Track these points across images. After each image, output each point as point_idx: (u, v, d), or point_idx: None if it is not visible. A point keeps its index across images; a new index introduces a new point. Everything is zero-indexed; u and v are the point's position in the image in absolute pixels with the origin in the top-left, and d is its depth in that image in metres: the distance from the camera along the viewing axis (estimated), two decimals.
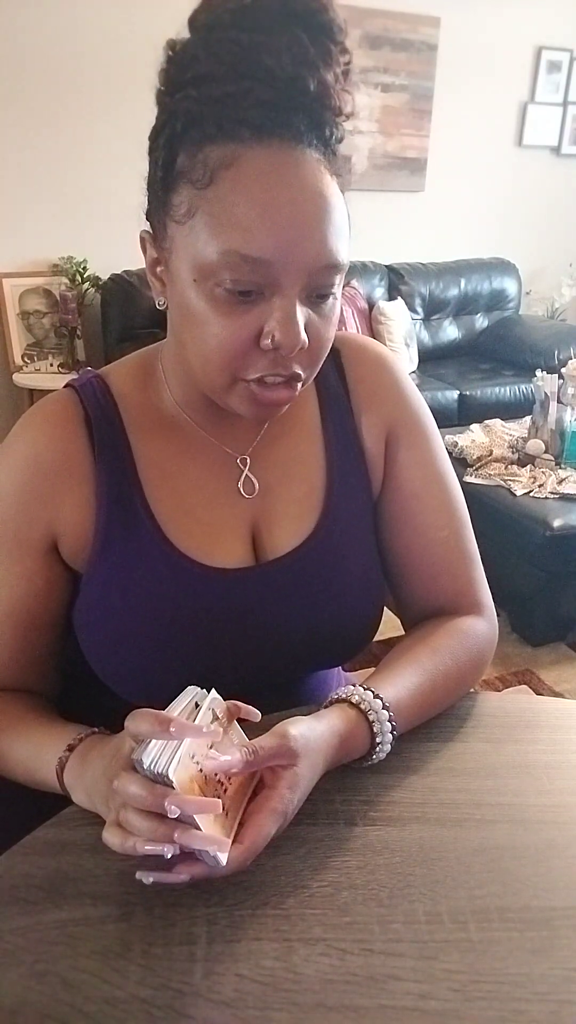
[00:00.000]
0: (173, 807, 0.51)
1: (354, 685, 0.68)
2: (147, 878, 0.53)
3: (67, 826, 0.64)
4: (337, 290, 0.64)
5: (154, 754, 0.53)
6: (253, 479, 0.77)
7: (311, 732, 0.61)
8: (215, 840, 0.52)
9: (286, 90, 0.58)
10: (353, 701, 0.66)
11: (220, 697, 0.60)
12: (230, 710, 0.60)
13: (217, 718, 0.59)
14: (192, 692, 0.60)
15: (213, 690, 0.60)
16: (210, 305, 0.61)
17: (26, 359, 3.27)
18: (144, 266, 0.69)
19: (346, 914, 0.56)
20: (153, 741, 0.54)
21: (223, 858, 0.52)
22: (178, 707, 0.57)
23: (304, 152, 0.59)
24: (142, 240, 0.68)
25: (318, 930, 0.55)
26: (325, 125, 0.61)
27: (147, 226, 0.68)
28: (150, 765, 0.52)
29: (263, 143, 0.58)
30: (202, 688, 0.60)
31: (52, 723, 0.72)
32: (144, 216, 0.67)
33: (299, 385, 0.66)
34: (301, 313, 0.61)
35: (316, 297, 0.63)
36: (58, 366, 3.26)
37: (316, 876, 0.59)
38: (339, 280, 0.64)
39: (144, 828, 0.52)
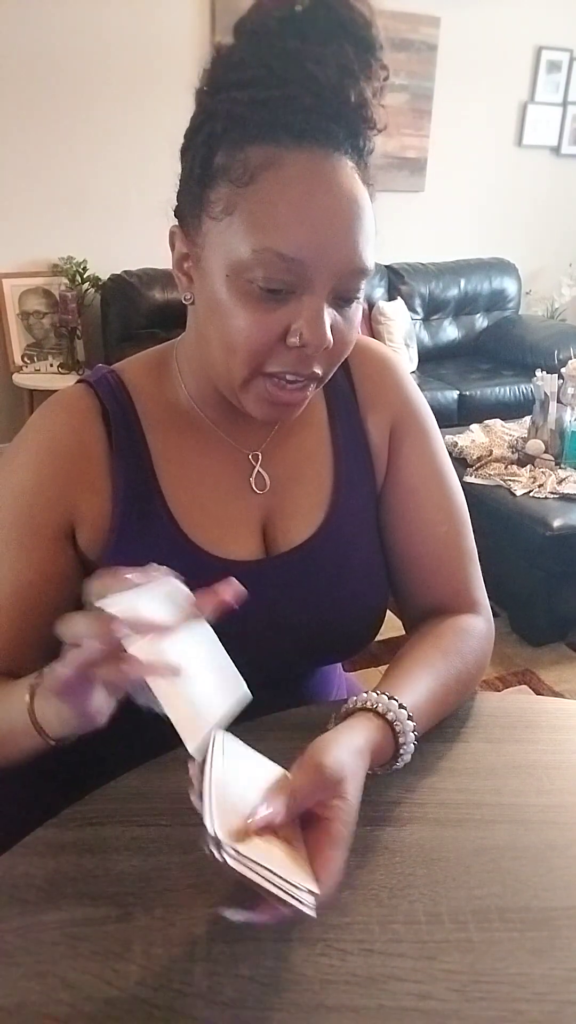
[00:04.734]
0: (124, 628, 0.48)
1: (376, 693, 0.66)
2: (235, 916, 0.49)
3: (67, 826, 0.64)
4: (361, 295, 0.66)
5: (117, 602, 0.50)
6: (264, 475, 0.78)
7: (348, 753, 0.58)
8: (162, 669, 0.49)
9: (329, 99, 0.59)
10: (379, 711, 0.65)
11: (184, 587, 0.57)
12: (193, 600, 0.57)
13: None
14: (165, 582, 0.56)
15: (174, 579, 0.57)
16: (240, 300, 0.62)
17: (26, 359, 3.27)
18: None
19: (346, 914, 0.56)
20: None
21: (310, 906, 0.49)
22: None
23: (341, 159, 0.61)
24: (171, 235, 0.69)
25: (318, 930, 0.55)
26: (360, 136, 0.63)
27: (175, 222, 0.69)
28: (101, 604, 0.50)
29: (302, 147, 0.60)
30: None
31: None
32: (172, 212, 0.69)
33: (313, 387, 0.68)
34: (328, 314, 0.63)
35: (341, 300, 0.65)
36: (58, 366, 3.26)
37: None
38: (364, 285, 0.66)
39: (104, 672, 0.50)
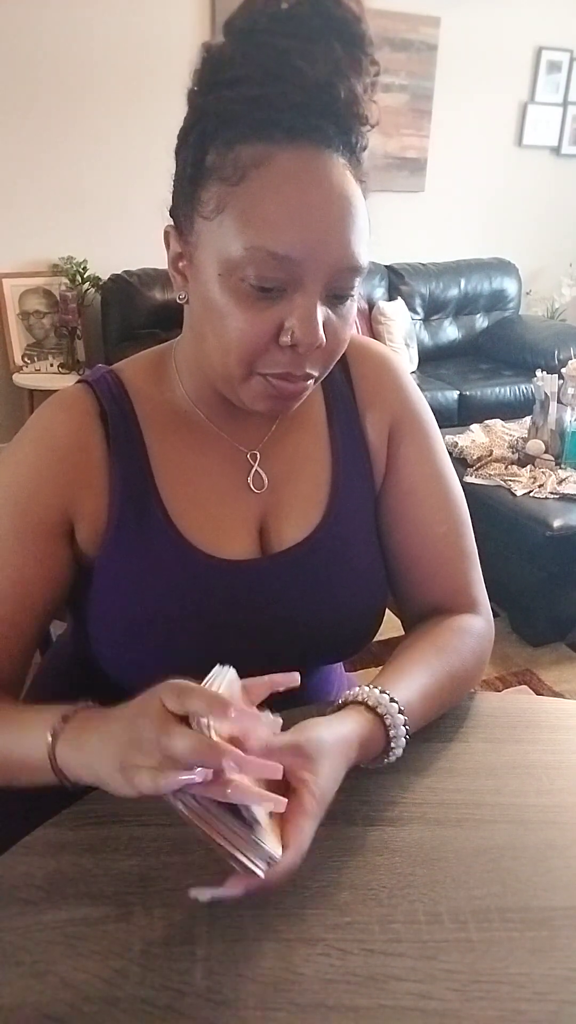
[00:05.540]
0: (231, 763, 0.48)
1: (369, 687, 0.67)
2: (203, 895, 0.51)
3: (67, 826, 0.64)
4: (355, 292, 0.66)
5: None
6: (262, 474, 0.78)
7: (329, 734, 0.60)
8: (268, 796, 0.50)
9: (318, 95, 0.59)
10: (370, 704, 0.65)
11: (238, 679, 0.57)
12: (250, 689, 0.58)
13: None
14: (222, 673, 0.56)
15: (233, 670, 0.57)
16: (233, 299, 0.62)
17: (26, 359, 3.27)
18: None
19: (346, 914, 0.56)
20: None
21: (262, 868, 0.50)
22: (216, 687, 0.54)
23: (332, 156, 0.61)
24: (166, 235, 0.69)
25: (318, 930, 0.55)
26: (352, 132, 0.62)
27: (171, 222, 0.69)
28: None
29: (294, 144, 0.60)
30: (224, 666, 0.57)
31: (29, 706, 0.68)
32: (168, 212, 0.69)
33: (312, 381, 0.68)
34: (320, 312, 0.63)
35: (335, 298, 0.64)
36: (58, 366, 3.26)
37: (316, 876, 0.59)
38: (358, 283, 0.65)
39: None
